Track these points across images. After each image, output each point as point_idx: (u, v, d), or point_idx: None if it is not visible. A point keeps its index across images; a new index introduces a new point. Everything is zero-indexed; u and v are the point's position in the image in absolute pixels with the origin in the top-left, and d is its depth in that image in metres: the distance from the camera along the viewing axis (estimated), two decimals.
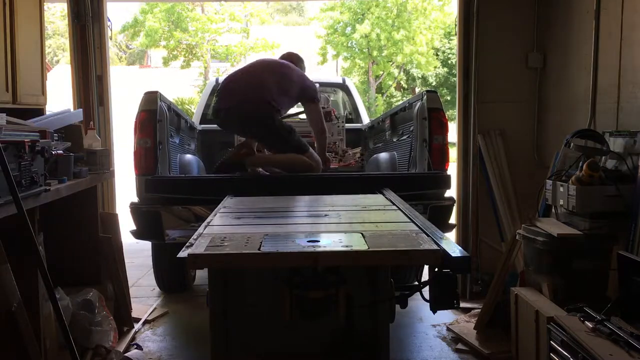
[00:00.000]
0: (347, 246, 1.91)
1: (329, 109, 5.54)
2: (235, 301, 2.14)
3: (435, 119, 4.18)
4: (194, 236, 2.08)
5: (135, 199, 4.05)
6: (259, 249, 1.86)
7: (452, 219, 4.35)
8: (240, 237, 2.04)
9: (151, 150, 4.04)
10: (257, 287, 2.14)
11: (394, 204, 2.87)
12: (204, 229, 2.24)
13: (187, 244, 1.99)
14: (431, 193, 3.95)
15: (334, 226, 2.39)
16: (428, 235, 2.06)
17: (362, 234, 2.07)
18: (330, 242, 1.97)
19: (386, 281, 2.14)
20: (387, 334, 2.18)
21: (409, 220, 2.39)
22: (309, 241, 1.96)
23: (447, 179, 4.05)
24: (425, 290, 2.02)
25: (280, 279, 1.93)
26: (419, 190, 3.85)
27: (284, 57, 4.76)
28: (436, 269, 1.91)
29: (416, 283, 2.10)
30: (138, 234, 4.04)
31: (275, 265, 1.90)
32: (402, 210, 2.66)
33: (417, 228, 2.21)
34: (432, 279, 1.96)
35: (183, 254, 1.88)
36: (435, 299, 1.94)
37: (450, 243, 1.98)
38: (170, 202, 3.80)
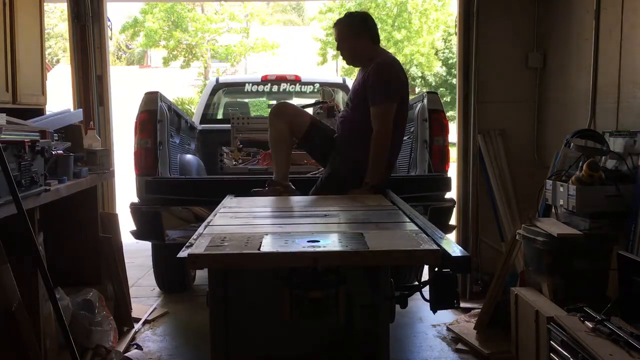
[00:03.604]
0: (346, 246, 1.91)
1: (333, 104, 5.51)
2: (235, 301, 2.14)
3: (435, 120, 4.18)
4: (194, 236, 2.09)
5: (136, 199, 4.05)
6: (258, 249, 1.86)
7: (452, 220, 4.35)
8: (240, 237, 2.04)
9: (151, 150, 4.04)
10: (257, 287, 2.14)
11: (394, 204, 2.88)
12: (204, 229, 2.25)
13: (187, 243, 1.99)
14: (431, 195, 3.94)
15: (334, 226, 2.39)
16: (428, 235, 2.06)
17: (362, 234, 2.06)
18: (330, 242, 1.97)
19: (386, 281, 2.14)
20: (387, 334, 2.18)
21: (409, 221, 2.39)
22: (308, 241, 1.96)
23: (448, 181, 4.05)
24: (425, 290, 2.02)
25: (280, 279, 1.93)
26: (420, 192, 3.85)
27: None
28: (436, 269, 1.91)
29: (416, 283, 2.10)
30: (138, 234, 4.04)
31: (275, 265, 1.90)
32: (402, 210, 2.66)
33: (417, 228, 2.21)
34: (432, 278, 1.96)
35: (183, 254, 1.88)
36: (435, 298, 1.94)
37: (450, 243, 1.98)
38: (170, 203, 3.80)
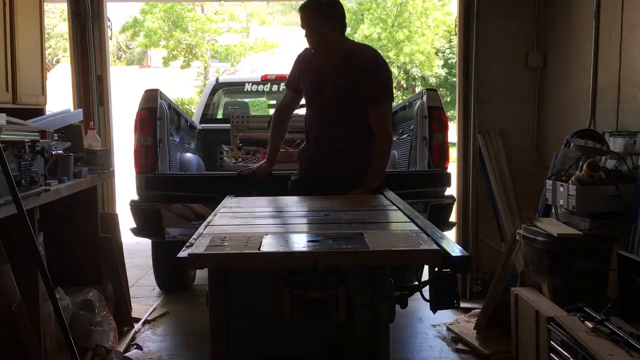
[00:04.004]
0: (347, 246, 1.90)
1: None
2: (235, 301, 2.14)
3: (435, 117, 4.18)
4: (194, 236, 2.09)
5: (136, 198, 4.04)
6: (258, 249, 1.85)
7: (452, 218, 4.35)
8: (241, 237, 2.04)
9: (151, 148, 4.04)
10: (257, 287, 2.14)
11: (394, 204, 2.87)
12: (204, 228, 2.24)
13: (187, 243, 1.99)
14: (431, 191, 3.94)
15: (334, 226, 2.38)
16: (428, 235, 2.05)
17: (362, 233, 2.06)
18: (330, 242, 1.96)
19: (386, 281, 2.13)
20: (387, 334, 2.17)
21: (409, 220, 2.39)
22: (308, 241, 1.96)
23: (447, 176, 4.05)
24: (425, 290, 2.02)
25: (280, 278, 1.93)
26: (419, 188, 3.85)
27: None
28: (436, 269, 1.90)
29: (416, 283, 2.10)
30: (138, 232, 4.04)
31: (275, 265, 1.89)
32: (402, 210, 2.65)
33: (417, 228, 2.21)
34: (432, 278, 1.95)
35: (183, 254, 1.87)
36: (435, 298, 1.94)
37: (450, 243, 1.98)
38: (170, 200, 3.80)
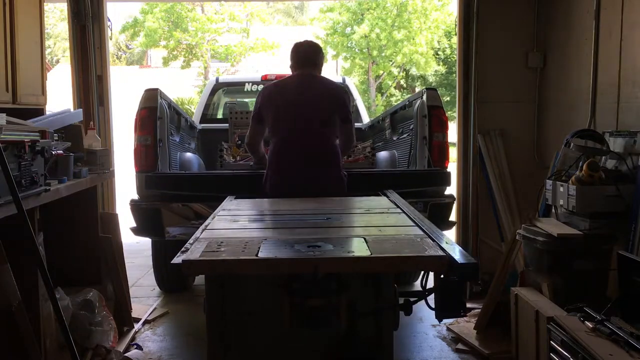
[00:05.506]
0: (348, 252, 1.86)
1: None
2: (233, 308, 2.07)
3: (435, 116, 4.18)
4: (190, 240, 2.03)
5: (136, 197, 4.04)
6: (256, 255, 1.80)
7: (452, 218, 4.34)
8: (238, 242, 1.98)
9: (151, 147, 4.04)
10: (255, 294, 2.06)
11: (398, 207, 2.82)
12: (201, 232, 2.18)
13: (183, 248, 1.92)
14: (431, 190, 3.94)
15: (336, 230, 2.32)
16: (433, 240, 1.99)
17: (364, 238, 2.01)
18: (331, 247, 1.91)
19: (390, 288, 2.07)
20: (390, 342, 2.10)
21: (413, 224, 2.34)
22: (309, 246, 1.90)
23: (447, 175, 4.04)
24: (431, 298, 1.97)
25: (280, 285, 1.87)
26: (419, 187, 3.84)
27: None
28: (442, 276, 1.85)
29: (420, 289, 2.06)
30: (138, 231, 4.04)
31: (273, 272, 1.84)
32: (406, 214, 2.60)
33: (422, 232, 2.15)
34: (437, 286, 1.89)
35: (177, 259, 1.80)
36: (440, 306, 1.88)
37: (457, 248, 1.91)
38: (170, 199, 3.80)
